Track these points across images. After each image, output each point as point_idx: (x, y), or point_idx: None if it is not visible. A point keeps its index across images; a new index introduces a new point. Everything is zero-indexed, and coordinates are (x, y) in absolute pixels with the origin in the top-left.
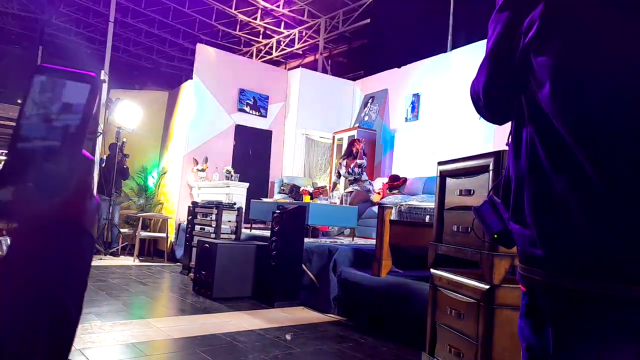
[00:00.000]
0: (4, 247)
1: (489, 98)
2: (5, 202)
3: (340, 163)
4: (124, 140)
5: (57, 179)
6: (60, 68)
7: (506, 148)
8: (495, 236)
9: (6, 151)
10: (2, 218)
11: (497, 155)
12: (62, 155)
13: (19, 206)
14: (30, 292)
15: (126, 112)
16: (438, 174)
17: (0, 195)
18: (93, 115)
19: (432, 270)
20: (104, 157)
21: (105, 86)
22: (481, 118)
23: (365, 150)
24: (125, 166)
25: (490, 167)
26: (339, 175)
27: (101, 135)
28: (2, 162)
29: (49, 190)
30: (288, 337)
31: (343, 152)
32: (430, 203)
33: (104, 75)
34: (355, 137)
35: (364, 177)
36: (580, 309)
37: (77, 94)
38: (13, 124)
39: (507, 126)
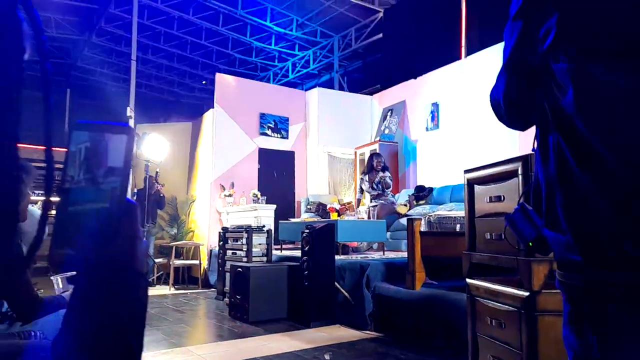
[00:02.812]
0: (60, 285)
1: (510, 105)
2: (65, 254)
3: (362, 179)
4: (157, 170)
5: (107, 229)
6: (97, 122)
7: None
8: (531, 244)
9: (57, 210)
10: (65, 269)
11: (524, 159)
12: (110, 206)
13: (77, 257)
14: (97, 335)
15: (153, 146)
16: (465, 182)
17: (59, 249)
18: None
19: (468, 280)
20: (136, 191)
21: (132, 122)
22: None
23: (386, 162)
24: (162, 195)
25: (519, 172)
26: (361, 191)
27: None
28: (55, 221)
29: (101, 240)
30: (327, 357)
31: (364, 167)
32: (459, 212)
33: (130, 112)
34: (376, 151)
35: (387, 191)
36: (622, 312)
37: (116, 146)
38: (47, 165)
39: (531, 129)
